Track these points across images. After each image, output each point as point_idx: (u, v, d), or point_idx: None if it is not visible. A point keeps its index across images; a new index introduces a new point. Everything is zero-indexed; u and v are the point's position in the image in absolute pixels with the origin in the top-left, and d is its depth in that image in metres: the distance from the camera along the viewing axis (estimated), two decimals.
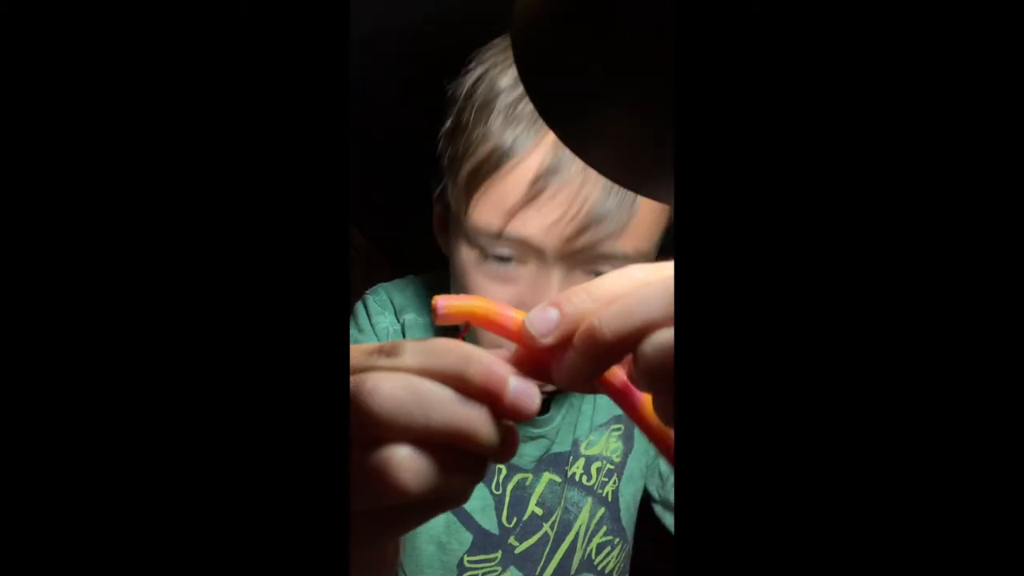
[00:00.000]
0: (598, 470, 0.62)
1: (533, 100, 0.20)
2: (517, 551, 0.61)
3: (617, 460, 0.62)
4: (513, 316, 0.25)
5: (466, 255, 0.50)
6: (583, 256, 0.47)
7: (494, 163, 0.46)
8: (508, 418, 0.23)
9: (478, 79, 0.49)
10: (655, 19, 0.16)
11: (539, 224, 0.45)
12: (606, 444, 0.62)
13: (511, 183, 0.46)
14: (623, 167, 0.20)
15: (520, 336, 0.24)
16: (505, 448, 0.24)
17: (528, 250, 0.47)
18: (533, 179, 0.44)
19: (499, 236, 0.47)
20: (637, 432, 0.61)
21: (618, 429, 0.61)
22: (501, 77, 0.48)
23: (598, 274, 0.47)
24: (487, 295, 0.49)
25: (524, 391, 0.23)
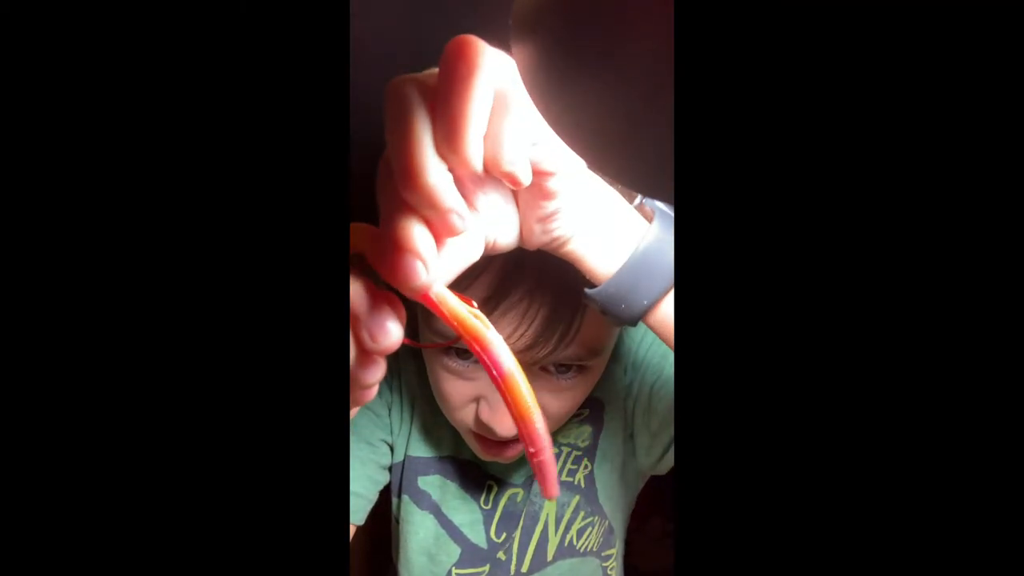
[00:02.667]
0: (555, 455, 0.62)
1: (521, 70, 0.20)
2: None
3: (584, 444, 0.62)
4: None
5: (431, 350, 0.53)
6: (541, 364, 0.49)
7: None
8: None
9: None
10: (652, 19, 0.16)
11: None
12: (566, 431, 0.62)
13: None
14: (594, 148, 0.21)
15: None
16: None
17: None
18: (482, 301, 0.47)
19: (455, 343, 0.48)
20: (608, 412, 0.61)
21: (579, 415, 0.61)
22: None
23: (558, 367, 0.49)
24: (450, 390, 0.52)
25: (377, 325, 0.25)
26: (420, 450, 0.63)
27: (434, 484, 0.62)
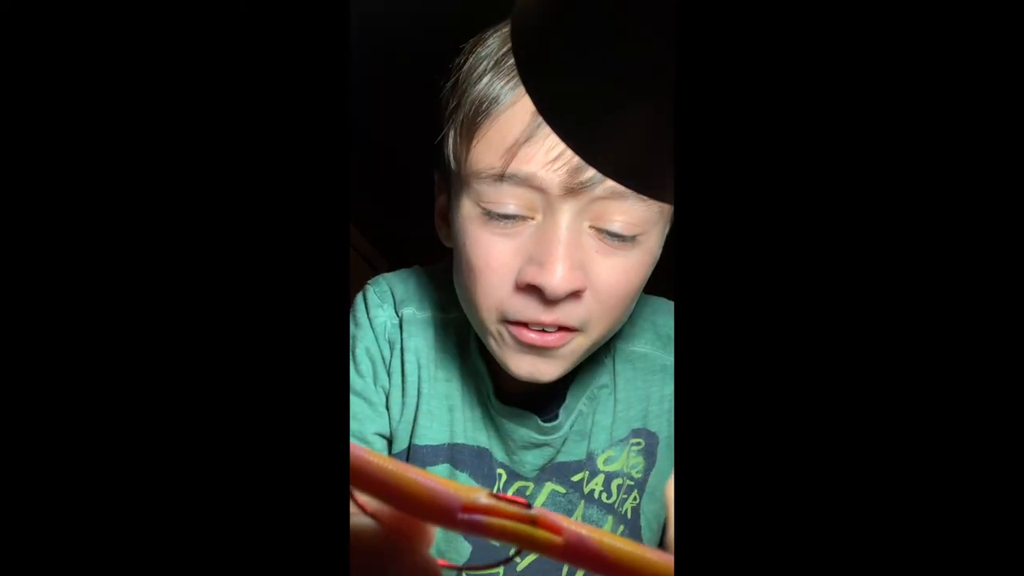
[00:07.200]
0: (619, 487, 0.59)
1: (533, 99, 0.20)
2: (519, 568, 0.59)
3: (637, 476, 0.59)
4: (446, 491, 0.18)
5: (468, 213, 0.47)
6: (589, 196, 0.44)
7: (492, 104, 0.45)
8: None
9: (479, 40, 0.48)
10: (657, 22, 0.16)
11: (542, 159, 0.43)
12: (627, 460, 0.59)
13: (510, 121, 0.44)
14: (622, 166, 0.21)
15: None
16: None
17: (533, 194, 0.44)
18: (533, 113, 0.43)
19: (502, 177, 0.44)
20: (660, 447, 0.58)
21: (638, 444, 0.58)
22: (504, 35, 0.46)
23: (609, 234, 0.45)
24: (490, 252, 0.46)
25: None
26: (427, 438, 0.58)
27: (443, 474, 0.59)
